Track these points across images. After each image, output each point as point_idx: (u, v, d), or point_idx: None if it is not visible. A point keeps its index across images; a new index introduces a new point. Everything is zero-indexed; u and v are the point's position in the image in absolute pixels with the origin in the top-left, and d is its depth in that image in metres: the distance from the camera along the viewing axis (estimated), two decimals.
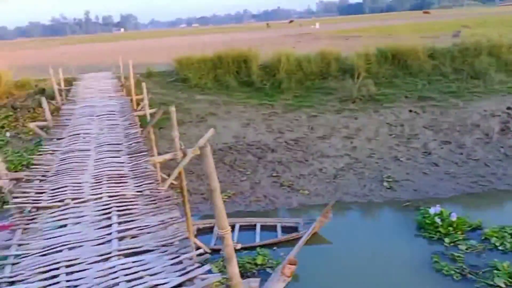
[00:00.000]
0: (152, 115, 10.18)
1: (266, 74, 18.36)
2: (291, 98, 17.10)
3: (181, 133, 15.34)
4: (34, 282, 3.54)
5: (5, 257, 3.95)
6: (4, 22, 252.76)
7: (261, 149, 14.23)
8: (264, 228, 9.86)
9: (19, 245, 4.13)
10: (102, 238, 4.16)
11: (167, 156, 6.54)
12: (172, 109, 6.26)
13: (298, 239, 9.01)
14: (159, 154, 11.74)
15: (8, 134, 15.22)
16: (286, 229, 9.77)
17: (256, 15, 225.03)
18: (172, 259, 3.63)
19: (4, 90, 16.62)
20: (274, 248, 9.05)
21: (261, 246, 8.90)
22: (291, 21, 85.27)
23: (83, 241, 4.09)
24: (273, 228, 9.90)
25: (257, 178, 12.85)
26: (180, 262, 3.55)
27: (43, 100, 9.10)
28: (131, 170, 5.86)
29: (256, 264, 8.32)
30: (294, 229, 9.72)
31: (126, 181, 5.48)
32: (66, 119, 9.03)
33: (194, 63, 18.28)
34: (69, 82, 16.24)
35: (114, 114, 9.41)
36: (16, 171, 12.93)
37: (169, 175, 6.93)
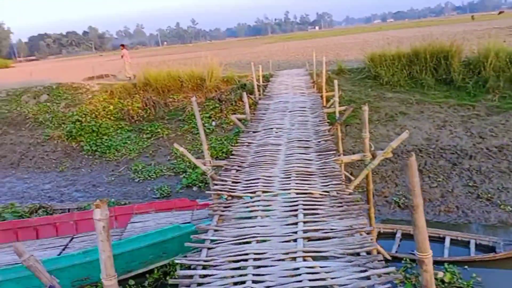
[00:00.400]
0: (341, 112, 10.08)
1: (469, 71, 16.29)
2: (498, 99, 14.80)
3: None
4: (225, 269, 3.73)
5: (203, 241, 4.34)
6: (218, 24, 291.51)
7: (457, 154, 12.76)
8: (453, 242, 8.82)
9: (215, 230, 4.46)
10: (288, 235, 4.18)
11: (355, 157, 6.30)
12: (365, 108, 5.97)
13: (494, 260, 7.74)
14: (344, 152, 11.63)
15: (213, 123, 17.29)
16: (480, 247, 8.52)
17: (459, 7, 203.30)
18: (359, 272, 3.41)
19: (213, 84, 18.91)
20: (465, 266, 7.97)
21: (450, 263, 7.94)
22: (500, 12, 73.89)
23: (270, 236, 4.19)
24: (464, 244, 8.77)
25: (450, 186, 11.57)
26: (368, 278, 3.30)
27: (244, 95, 9.90)
28: (319, 169, 5.82)
29: (442, 282, 7.46)
30: (491, 248, 8.39)
31: (314, 179, 5.45)
32: (262, 114, 9.61)
33: (387, 60, 17.42)
34: (266, 78, 17.48)
35: (305, 110, 9.61)
36: (217, 158, 14.64)
37: (352, 174, 6.72)
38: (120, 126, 18.01)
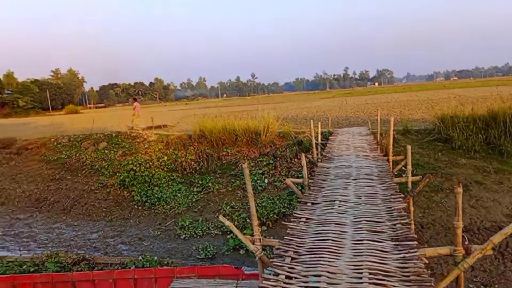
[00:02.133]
0: (414, 182, 8.73)
1: None
2: None
3: (437, 201, 13.41)
4: None
5: None
6: (277, 78, 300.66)
7: None
8: None
9: None
10: None
11: (443, 251, 4.96)
12: (459, 190, 4.73)
13: None
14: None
15: (266, 180, 16.36)
16: None
17: None
18: None
19: (269, 139, 18.18)
20: None
21: None
22: None
23: None
24: None
25: None
26: None
27: (302, 156, 8.93)
28: (399, 267, 4.42)
29: None
30: None
31: (394, 284, 4.12)
32: (322, 180, 8.46)
33: (461, 122, 15.91)
34: (325, 136, 16.49)
35: (372, 179, 8.32)
36: (267, 218, 13.57)
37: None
38: (172, 177, 17.59)
